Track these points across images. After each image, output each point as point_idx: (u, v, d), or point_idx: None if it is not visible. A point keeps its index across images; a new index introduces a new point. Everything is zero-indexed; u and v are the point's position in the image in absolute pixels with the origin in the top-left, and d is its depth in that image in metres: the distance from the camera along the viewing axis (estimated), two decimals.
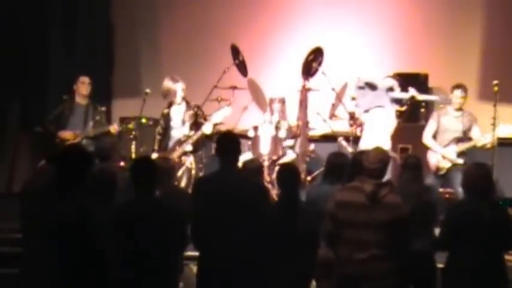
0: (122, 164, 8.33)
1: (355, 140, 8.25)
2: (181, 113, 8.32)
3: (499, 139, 8.14)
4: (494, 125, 7.97)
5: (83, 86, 8.61)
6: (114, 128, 8.46)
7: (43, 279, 4.66)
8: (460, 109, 8.11)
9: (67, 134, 8.50)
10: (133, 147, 8.51)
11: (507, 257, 5.44)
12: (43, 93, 9.82)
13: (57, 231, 4.60)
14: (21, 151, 9.98)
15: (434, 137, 8.17)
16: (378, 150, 5.23)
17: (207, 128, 8.03)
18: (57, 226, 4.60)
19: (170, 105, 8.31)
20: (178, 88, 8.20)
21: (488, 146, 7.98)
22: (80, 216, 4.60)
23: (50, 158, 5.55)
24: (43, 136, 9.14)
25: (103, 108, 8.83)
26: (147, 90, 8.55)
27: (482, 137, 7.99)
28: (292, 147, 8.63)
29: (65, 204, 4.63)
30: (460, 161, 7.98)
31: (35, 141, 9.68)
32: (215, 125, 8.20)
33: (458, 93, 8.06)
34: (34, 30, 9.83)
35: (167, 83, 8.26)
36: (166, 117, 8.32)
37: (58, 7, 9.97)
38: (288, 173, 5.45)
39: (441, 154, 8.06)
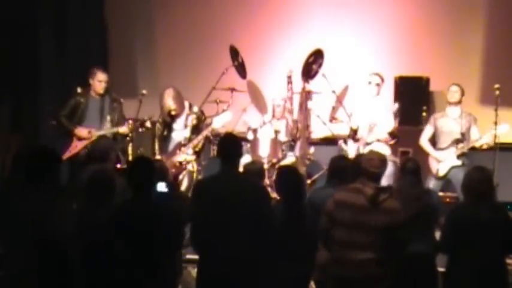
0: (119, 166, 8.20)
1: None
2: (183, 116, 8.24)
3: (501, 144, 8.10)
4: (495, 129, 7.94)
5: (100, 85, 8.27)
6: (123, 129, 8.20)
7: (21, 281, 4.65)
8: (454, 104, 8.08)
9: (82, 132, 8.28)
10: (130, 149, 8.40)
11: (507, 260, 5.47)
12: (34, 94, 9.70)
13: (21, 232, 4.61)
14: (12, 152, 9.84)
15: (434, 140, 8.13)
16: (380, 155, 5.25)
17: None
18: (20, 227, 4.60)
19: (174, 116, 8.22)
20: (168, 102, 8.04)
21: (485, 146, 7.98)
22: (37, 218, 4.58)
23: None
24: (34, 136, 9.05)
25: (121, 100, 8.44)
26: (144, 92, 8.44)
27: (480, 138, 7.97)
28: (291, 147, 8.57)
29: (27, 203, 4.62)
30: (459, 162, 7.96)
31: (26, 141, 9.56)
32: (213, 130, 8.16)
33: (452, 88, 8.10)
34: (25, 30, 9.66)
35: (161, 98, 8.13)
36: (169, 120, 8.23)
37: (49, 6, 9.79)
38: (290, 175, 5.49)
39: (435, 157, 8.02)
